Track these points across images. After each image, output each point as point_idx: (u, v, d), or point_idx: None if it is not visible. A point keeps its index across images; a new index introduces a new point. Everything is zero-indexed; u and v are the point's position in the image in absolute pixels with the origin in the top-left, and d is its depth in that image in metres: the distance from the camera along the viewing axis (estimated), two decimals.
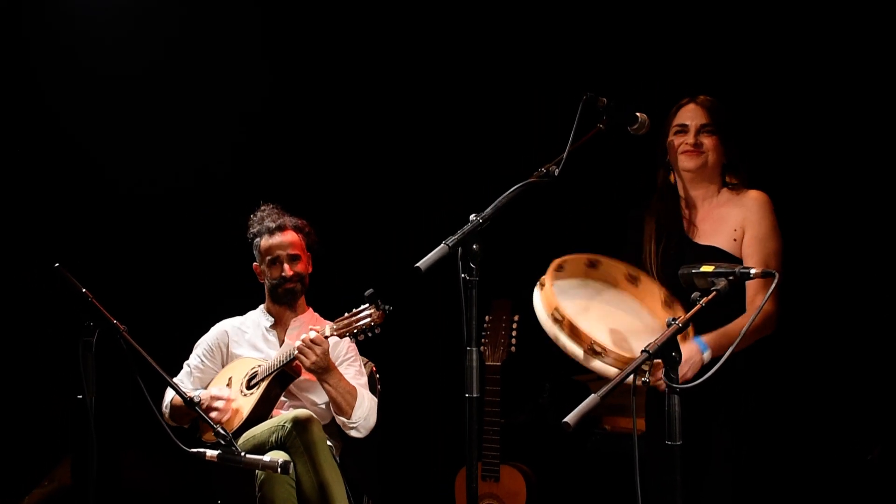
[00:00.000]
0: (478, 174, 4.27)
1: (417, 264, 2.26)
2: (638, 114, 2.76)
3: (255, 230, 3.61)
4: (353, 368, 3.53)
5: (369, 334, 3.20)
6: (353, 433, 3.38)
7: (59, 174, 4.46)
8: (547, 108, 4.03)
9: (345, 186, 4.49)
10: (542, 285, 2.60)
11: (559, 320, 2.51)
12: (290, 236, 3.56)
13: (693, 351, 2.58)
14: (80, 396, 2.59)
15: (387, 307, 3.16)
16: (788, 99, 3.84)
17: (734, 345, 2.25)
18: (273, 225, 3.57)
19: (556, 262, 2.64)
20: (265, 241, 3.57)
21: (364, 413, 3.36)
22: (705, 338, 2.65)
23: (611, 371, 2.47)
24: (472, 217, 2.39)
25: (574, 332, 2.50)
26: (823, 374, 3.80)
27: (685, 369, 2.52)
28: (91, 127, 4.41)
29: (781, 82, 3.85)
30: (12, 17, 4.37)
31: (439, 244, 2.30)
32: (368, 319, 3.18)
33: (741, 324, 2.66)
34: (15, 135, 4.41)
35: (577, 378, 4.25)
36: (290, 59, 4.48)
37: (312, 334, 3.25)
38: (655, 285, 2.78)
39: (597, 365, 2.49)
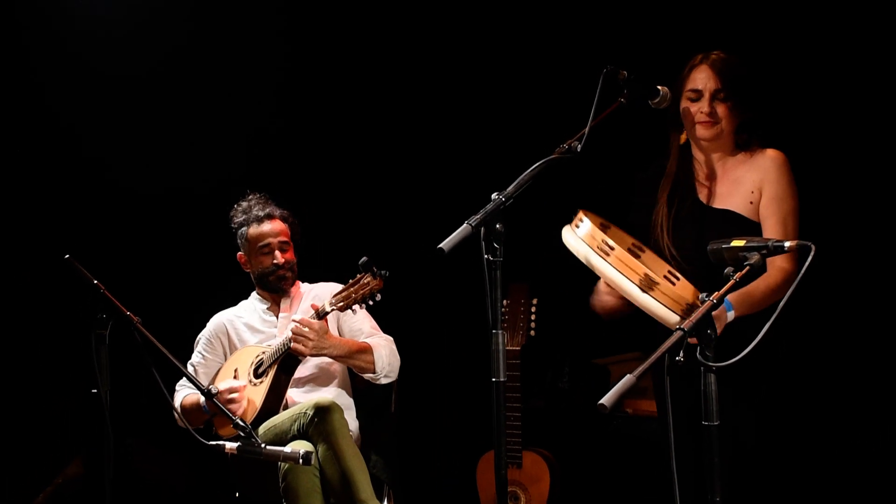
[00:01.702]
0: (477, 146, 4.21)
1: (440, 245, 2.20)
2: (659, 87, 2.70)
3: (240, 219, 3.56)
4: (359, 314, 3.47)
5: (370, 302, 3.18)
6: (384, 381, 3.39)
7: (60, 169, 4.38)
8: (564, 80, 3.94)
9: (337, 160, 4.41)
10: (578, 224, 2.54)
11: (608, 252, 2.45)
12: (278, 225, 3.53)
13: (720, 310, 2.50)
14: (95, 391, 2.53)
15: (383, 272, 3.13)
16: (807, 51, 3.71)
17: (770, 321, 2.17)
18: (262, 213, 3.53)
19: (582, 211, 2.58)
20: (254, 230, 3.52)
21: (386, 360, 3.37)
22: (730, 297, 2.55)
23: (660, 310, 2.40)
24: (494, 195, 2.32)
25: (626, 264, 2.43)
26: (843, 353, 3.72)
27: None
28: (93, 125, 4.33)
29: (798, 31, 3.73)
30: (11, 16, 4.29)
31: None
32: (367, 287, 3.15)
33: (763, 284, 2.60)
34: (18, 132, 4.33)
35: (596, 361, 4.21)
36: (300, 26, 4.39)
37: (300, 315, 3.24)
38: (660, 261, 2.71)
39: (647, 301, 2.41)
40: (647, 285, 2.40)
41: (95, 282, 2.53)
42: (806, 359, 3.46)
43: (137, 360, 2.56)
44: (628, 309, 2.65)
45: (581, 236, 2.50)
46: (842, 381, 3.74)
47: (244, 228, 3.54)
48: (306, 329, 3.21)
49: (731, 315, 2.50)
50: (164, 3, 4.33)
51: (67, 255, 2.55)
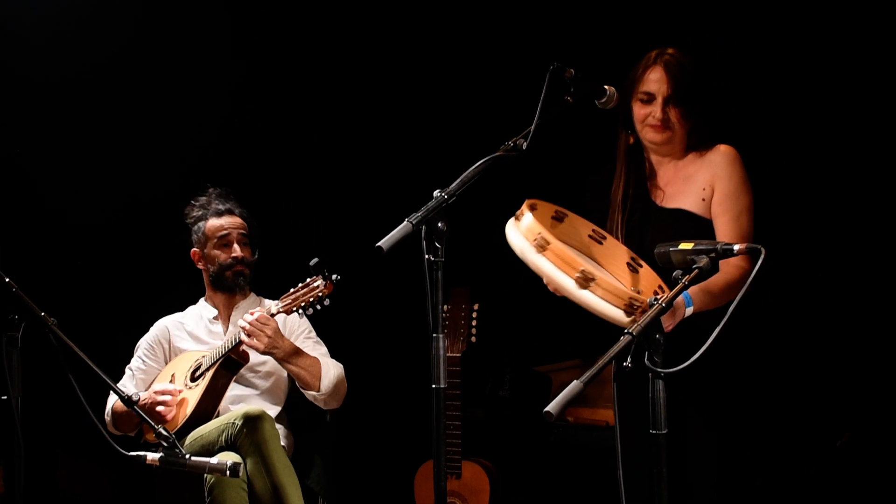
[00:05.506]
0: (419, 142, 4.12)
1: (379, 243, 2.11)
2: (606, 87, 2.64)
3: (198, 213, 3.43)
4: (310, 340, 3.40)
5: (318, 307, 3.05)
6: (322, 404, 3.27)
7: None
8: (511, 77, 3.86)
9: (284, 160, 4.29)
10: (519, 217, 2.44)
11: (543, 246, 2.34)
12: (238, 220, 3.42)
13: (679, 303, 2.44)
14: (5, 397, 2.37)
15: (335, 277, 3.00)
16: (765, 43, 3.67)
17: (720, 326, 2.09)
18: (222, 207, 3.42)
19: (530, 201, 2.49)
20: (213, 223, 3.40)
21: (331, 381, 3.24)
22: (689, 291, 2.48)
23: (601, 305, 2.30)
24: (436, 193, 2.24)
25: (562, 259, 2.33)
26: (793, 360, 3.70)
27: (668, 321, 2.37)
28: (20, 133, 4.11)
29: (749, 27, 3.69)
30: None
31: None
32: (316, 291, 3.02)
33: (722, 279, 2.53)
34: None
35: (537, 369, 4.15)
36: (242, 30, 4.26)
37: (256, 314, 3.10)
38: (621, 248, 2.65)
39: (587, 297, 2.30)
40: (584, 282, 2.29)
41: (7, 279, 2.37)
42: (756, 361, 3.42)
43: (55, 366, 2.41)
44: None
45: (521, 231, 2.40)
46: (793, 385, 3.72)
47: (202, 222, 3.41)
48: (264, 325, 3.08)
49: (689, 311, 2.43)
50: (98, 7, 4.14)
51: None
